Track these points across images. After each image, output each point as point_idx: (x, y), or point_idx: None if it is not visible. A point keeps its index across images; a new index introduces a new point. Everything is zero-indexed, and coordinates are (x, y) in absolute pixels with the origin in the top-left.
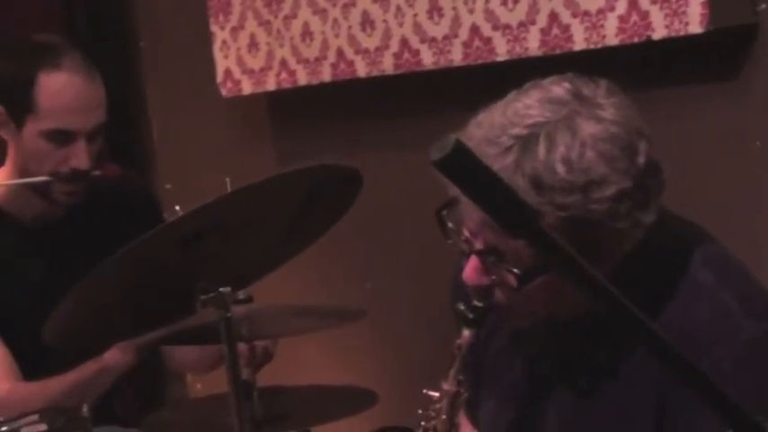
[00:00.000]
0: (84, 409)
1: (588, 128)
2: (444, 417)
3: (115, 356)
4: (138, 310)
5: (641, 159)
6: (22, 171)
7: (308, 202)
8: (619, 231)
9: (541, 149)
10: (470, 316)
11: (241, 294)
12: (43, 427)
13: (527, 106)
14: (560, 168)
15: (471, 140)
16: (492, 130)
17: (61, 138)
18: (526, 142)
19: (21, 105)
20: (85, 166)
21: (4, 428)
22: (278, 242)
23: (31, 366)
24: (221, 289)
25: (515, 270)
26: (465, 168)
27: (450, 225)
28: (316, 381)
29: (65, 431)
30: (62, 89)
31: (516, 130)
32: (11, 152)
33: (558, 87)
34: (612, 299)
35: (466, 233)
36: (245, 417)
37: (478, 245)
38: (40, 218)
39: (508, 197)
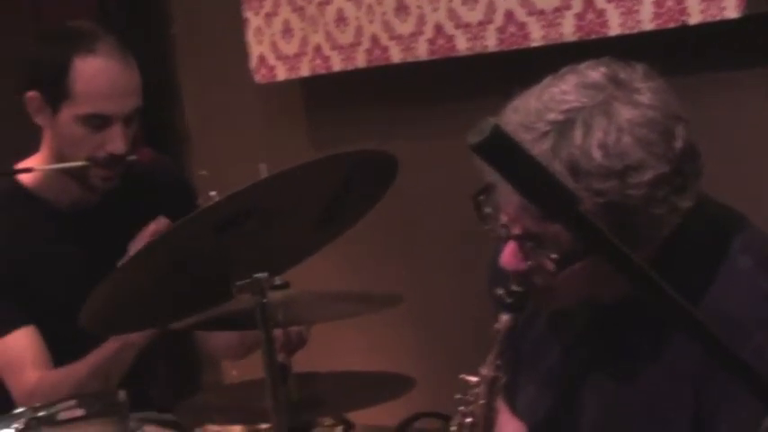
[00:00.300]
0: (121, 394)
1: (625, 113)
2: (482, 401)
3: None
4: (174, 296)
5: (678, 144)
6: (57, 157)
7: (344, 188)
8: (656, 217)
9: (578, 135)
10: (509, 301)
11: (277, 280)
12: (80, 412)
13: (563, 92)
14: (597, 154)
15: (507, 126)
16: (528, 115)
17: (97, 122)
18: (563, 128)
19: (56, 91)
20: (121, 151)
21: (41, 413)
22: (314, 228)
23: (66, 351)
24: (257, 275)
25: (553, 255)
26: (503, 152)
27: (487, 210)
28: (351, 366)
29: (102, 416)
30: (97, 74)
31: (552, 116)
32: (46, 138)
33: (595, 72)
34: (652, 283)
35: (503, 218)
36: (280, 402)
37: (516, 230)
38: (75, 203)
39: (547, 181)
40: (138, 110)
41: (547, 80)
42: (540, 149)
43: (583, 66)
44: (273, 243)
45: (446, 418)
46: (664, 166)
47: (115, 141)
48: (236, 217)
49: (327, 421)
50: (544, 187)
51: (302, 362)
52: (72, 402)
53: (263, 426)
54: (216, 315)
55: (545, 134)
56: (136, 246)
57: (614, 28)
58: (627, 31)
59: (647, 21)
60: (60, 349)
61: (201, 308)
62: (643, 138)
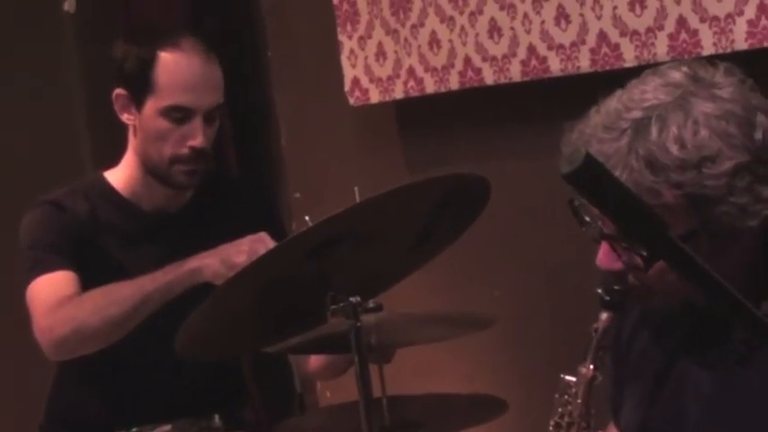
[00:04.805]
0: (216, 418)
1: (702, 107)
2: (579, 401)
3: (207, 262)
4: (269, 320)
5: (759, 134)
6: (142, 156)
7: (438, 211)
8: (741, 207)
9: (654, 130)
10: (607, 298)
11: (370, 303)
12: None
13: (643, 91)
14: (673, 147)
15: (589, 127)
16: (608, 115)
17: (179, 115)
18: (639, 125)
19: (142, 86)
20: (202, 144)
21: None
22: (407, 251)
23: (139, 353)
24: (351, 298)
25: (642, 252)
26: (595, 180)
27: (583, 214)
28: (444, 389)
29: None
30: (180, 66)
31: (631, 114)
32: (131, 140)
33: (676, 72)
34: (737, 304)
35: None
36: (374, 425)
37: (607, 230)
38: (159, 207)
39: (638, 209)
40: (220, 108)
41: (632, 82)
42: (617, 146)
43: (665, 66)
44: (367, 266)
45: None
46: (743, 155)
47: (196, 135)
48: (330, 241)
49: None
50: (635, 214)
51: (395, 385)
52: (167, 428)
53: None
54: (310, 338)
55: (623, 132)
56: (231, 254)
57: (708, 47)
58: (720, 51)
59: (740, 40)
60: (134, 349)
61: (296, 331)
62: (720, 129)
